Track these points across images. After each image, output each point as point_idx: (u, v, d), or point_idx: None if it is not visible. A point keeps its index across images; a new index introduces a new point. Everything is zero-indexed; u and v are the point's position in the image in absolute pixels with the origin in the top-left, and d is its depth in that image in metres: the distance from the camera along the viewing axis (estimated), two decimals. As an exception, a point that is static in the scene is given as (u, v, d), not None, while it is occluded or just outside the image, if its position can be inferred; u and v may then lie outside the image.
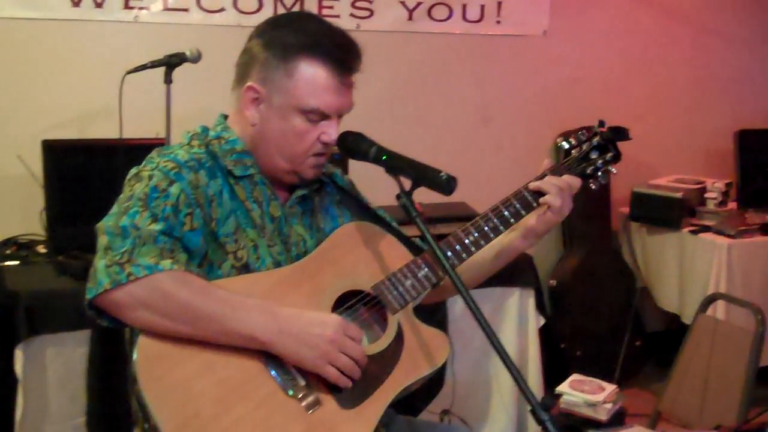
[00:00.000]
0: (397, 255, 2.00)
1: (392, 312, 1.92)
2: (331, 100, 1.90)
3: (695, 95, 4.85)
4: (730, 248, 3.97)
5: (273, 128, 1.91)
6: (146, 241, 1.72)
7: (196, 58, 3.10)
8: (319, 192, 2.08)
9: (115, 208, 1.81)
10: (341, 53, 1.91)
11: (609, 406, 2.77)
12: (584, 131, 2.12)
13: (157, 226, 1.75)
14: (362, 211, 2.13)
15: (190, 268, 1.76)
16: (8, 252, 3.40)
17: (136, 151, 3.06)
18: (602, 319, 4.36)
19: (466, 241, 1.98)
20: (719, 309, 3.57)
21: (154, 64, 3.14)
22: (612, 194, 4.52)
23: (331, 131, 1.92)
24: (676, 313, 4.23)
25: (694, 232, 4.16)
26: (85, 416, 3.02)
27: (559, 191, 2.00)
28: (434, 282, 1.96)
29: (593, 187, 2.12)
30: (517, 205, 2.01)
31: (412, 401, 2.21)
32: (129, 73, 3.16)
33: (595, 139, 2.09)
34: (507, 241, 2.08)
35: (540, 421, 1.62)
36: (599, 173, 2.10)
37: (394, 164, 1.91)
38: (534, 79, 4.46)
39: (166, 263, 1.71)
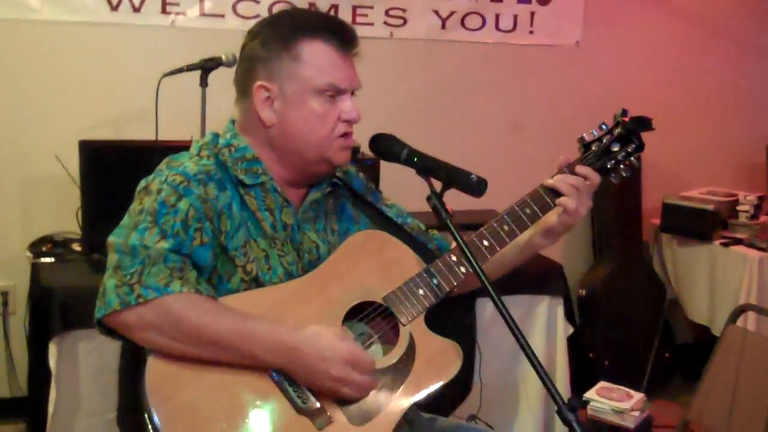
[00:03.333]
0: (409, 264, 1.96)
1: (404, 323, 1.89)
2: (340, 73, 1.89)
3: (728, 108, 4.82)
4: (762, 261, 3.94)
5: (293, 120, 1.88)
6: (156, 261, 1.72)
7: (231, 63, 3.12)
8: (333, 194, 2.06)
9: (126, 220, 1.82)
10: (338, 29, 1.91)
11: (636, 413, 2.78)
12: (605, 122, 2.07)
13: (166, 244, 1.74)
14: (376, 214, 2.11)
15: (199, 287, 1.75)
16: (44, 249, 3.45)
17: (171, 152, 3.11)
18: (631, 330, 4.33)
19: (481, 246, 1.94)
20: (749, 320, 3.54)
21: (190, 68, 3.19)
22: (643, 205, 4.52)
23: (349, 108, 1.90)
24: (706, 325, 4.21)
25: (725, 245, 4.14)
26: (116, 412, 3.03)
27: (575, 192, 1.96)
28: (447, 290, 1.93)
29: (615, 181, 2.06)
30: (534, 207, 1.98)
31: (438, 405, 2.19)
32: (165, 76, 3.20)
33: (617, 131, 2.04)
34: (527, 238, 2.04)
35: (566, 422, 1.60)
36: (621, 166, 2.05)
37: (425, 166, 1.91)
38: (566, 90, 4.46)
39: (176, 285, 1.71)
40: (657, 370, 4.28)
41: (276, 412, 1.73)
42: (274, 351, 1.73)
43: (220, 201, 1.84)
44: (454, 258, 1.94)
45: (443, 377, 1.88)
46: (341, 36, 1.90)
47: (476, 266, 1.77)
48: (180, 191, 1.80)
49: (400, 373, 1.85)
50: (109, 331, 1.78)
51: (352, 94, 1.94)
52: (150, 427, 1.66)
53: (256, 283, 1.86)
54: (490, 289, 1.73)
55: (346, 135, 1.93)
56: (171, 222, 1.76)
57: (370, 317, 1.90)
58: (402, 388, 1.83)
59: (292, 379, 1.76)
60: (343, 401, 1.78)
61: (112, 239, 1.77)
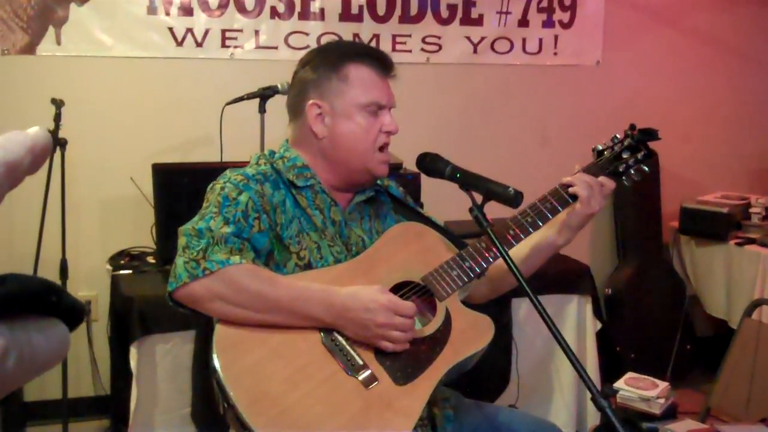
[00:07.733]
0: (443, 249, 2.05)
1: (440, 299, 1.97)
2: (381, 92, 2.02)
3: (739, 118, 4.81)
4: (774, 259, 3.92)
5: (341, 131, 2.00)
6: (218, 241, 1.81)
7: (286, 90, 3.17)
8: (376, 201, 2.16)
9: (196, 217, 1.91)
10: (379, 56, 2.06)
11: (662, 401, 2.78)
12: (617, 135, 2.15)
13: (228, 229, 1.84)
14: (415, 216, 2.19)
15: (256, 263, 1.85)
16: (122, 262, 3.52)
17: (234, 172, 3.17)
18: (655, 325, 4.33)
19: (507, 234, 2.01)
20: (764, 313, 3.54)
21: (249, 96, 3.28)
22: (663, 209, 4.52)
23: (389, 121, 2.03)
24: (724, 319, 4.20)
25: (739, 245, 4.13)
26: (190, 407, 3.10)
27: (586, 185, 2.03)
28: (478, 272, 2.00)
29: (626, 184, 2.13)
30: (554, 201, 2.04)
31: (480, 395, 2.23)
32: (228, 104, 3.29)
33: (627, 141, 2.12)
34: (544, 236, 2.10)
35: (600, 408, 1.64)
36: (632, 170, 2.11)
37: (467, 181, 1.99)
38: (588, 105, 4.48)
39: (236, 258, 1.79)
40: (679, 361, 4.27)
41: (328, 373, 1.79)
42: (326, 309, 1.81)
43: (275, 198, 1.96)
44: (483, 244, 2.01)
45: (478, 345, 1.95)
46: (382, 62, 2.05)
47: (509, 262, 1.84)
48: (240, 187, 1.92)
49: (438, 341, 1.92)
50: (179, 305, 1.85)
51: (391, 109, 2.06)
52: (218, 388, 1.72)
53: (309, 268, 1.95)
54: (516, 272, 1.79)
55: (384, 148, 2.04)
56: (233, 212, 1.87)
57: (409, 295, 1.96)
58: (441, 354, 1.90)
59: (341, 343, 1.83)
60: (386, 362, 1.84)
61: (181, 227, 1.88)
